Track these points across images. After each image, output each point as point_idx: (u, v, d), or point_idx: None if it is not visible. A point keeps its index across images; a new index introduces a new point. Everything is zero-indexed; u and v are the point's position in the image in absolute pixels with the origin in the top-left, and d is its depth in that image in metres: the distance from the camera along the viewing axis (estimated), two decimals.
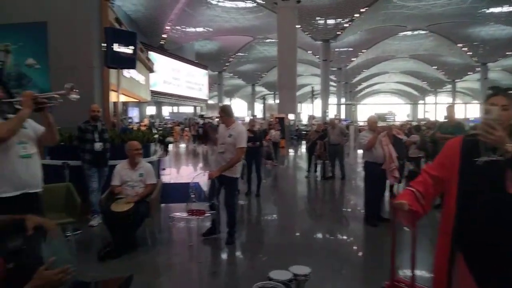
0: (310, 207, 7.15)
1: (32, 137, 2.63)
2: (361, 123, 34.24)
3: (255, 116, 39.13)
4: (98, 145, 5.08)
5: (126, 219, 3.97)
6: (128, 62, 6.59)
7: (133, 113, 27.40)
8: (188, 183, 4.89)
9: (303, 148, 12.08)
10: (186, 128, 19.54)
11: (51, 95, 2.37)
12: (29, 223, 1.83)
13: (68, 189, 4.26)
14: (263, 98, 59.17)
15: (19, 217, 1.89)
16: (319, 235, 5.18)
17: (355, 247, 4.66)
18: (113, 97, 7.75)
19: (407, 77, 55.62)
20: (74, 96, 2.41)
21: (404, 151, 6.89)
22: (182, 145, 18.14)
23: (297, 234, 5.22)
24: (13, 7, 7.42)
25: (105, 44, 6.31)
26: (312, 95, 36.99)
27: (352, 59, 42.74)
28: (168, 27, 32.27)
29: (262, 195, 7.53)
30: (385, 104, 58.33)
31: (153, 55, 23.02)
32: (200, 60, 38.79)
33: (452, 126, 5.79)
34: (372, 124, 5.58)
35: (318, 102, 38.13)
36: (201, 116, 31.59)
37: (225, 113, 4.63)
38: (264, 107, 56.29)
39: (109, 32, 6.35)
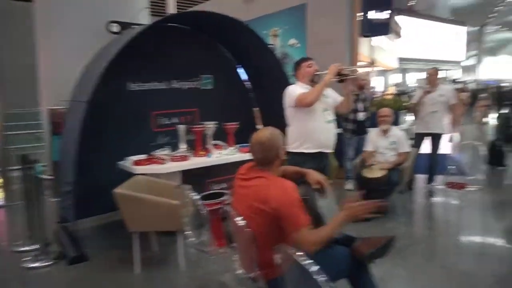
0: None
1: (332, 105, 3.11)
2: None
3: None
4: (361, 115, 5.09)
5: (378, 185, 4.04)
6: (383, 28, 6.48)
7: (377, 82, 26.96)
8: (445, 154, 4.49)
9: None
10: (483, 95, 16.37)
11: (354, 68, 2.68)
12: (310, 178, 2.12)
13: None
14: None
15: (302, 171, 2.20)
16: None
17: None
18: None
19: None
20: (373, 69, 2.68)
21: None
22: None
23: None
24: None
25: (361, 14, 6.40)
26: None
27: None
28: None
29: None
30: None
31: (400, 19, 21.74)
32: (457, 17, 33.68)
33: None
34: None
35: None
36: (454, 81, 27.70)
37: None
38: None
39: (366, 0, 6.38)
